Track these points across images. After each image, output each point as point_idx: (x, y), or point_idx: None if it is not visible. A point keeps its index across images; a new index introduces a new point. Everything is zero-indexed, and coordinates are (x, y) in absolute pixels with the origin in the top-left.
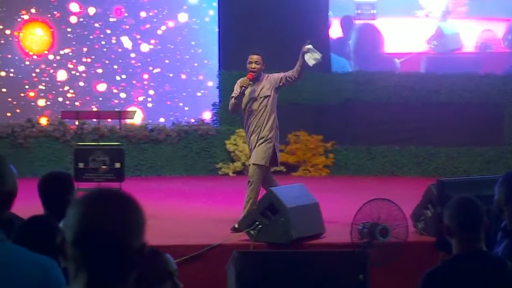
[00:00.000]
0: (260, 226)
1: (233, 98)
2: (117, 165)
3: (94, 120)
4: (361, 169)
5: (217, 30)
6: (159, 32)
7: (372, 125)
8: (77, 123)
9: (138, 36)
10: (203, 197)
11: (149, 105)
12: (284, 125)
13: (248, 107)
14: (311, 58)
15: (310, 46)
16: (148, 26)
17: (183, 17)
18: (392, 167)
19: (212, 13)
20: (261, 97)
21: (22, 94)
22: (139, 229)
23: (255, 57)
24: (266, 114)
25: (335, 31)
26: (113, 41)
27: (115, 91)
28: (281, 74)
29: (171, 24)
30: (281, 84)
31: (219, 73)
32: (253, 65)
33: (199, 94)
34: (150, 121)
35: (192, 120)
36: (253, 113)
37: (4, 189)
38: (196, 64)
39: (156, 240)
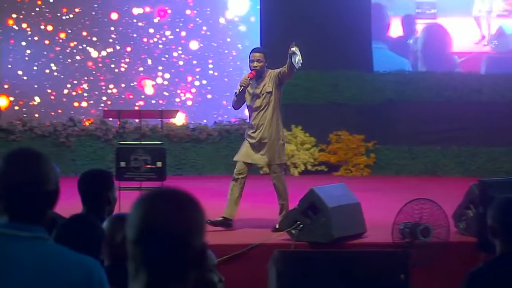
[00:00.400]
0: (301, 225)
1: (234, 95)
2: (159, 164)
3: (137, 120)
4: (403, 169)
5: (258, 29)
6: (203, 32)
7: (413, 125)
8: (119, 122)
9: (183, 34)
10: (244, 197)
11: (190, 102)
12: (325, 125)
13: (252, 104)
14: (295, 61)
15: (294, 49)
16: (191, 25)
17: (227, 17)
18: (433, 167)
19: (257, 13)
20: (263, 94)
21: (65, 92)
22: (200, 228)
23: (257, 55)
24: (269, 111)
25: (395, 30)
26: (156, 41)
27: (158, 90)
28: (278, 69)
29: (215, 24)
30: (278, 79)
31: None
32: (255, 63)
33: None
34: (193, 122)
35: (233, 120)
36: (257, 109)
37: (49, 188)
38: (239, 63)
39: None
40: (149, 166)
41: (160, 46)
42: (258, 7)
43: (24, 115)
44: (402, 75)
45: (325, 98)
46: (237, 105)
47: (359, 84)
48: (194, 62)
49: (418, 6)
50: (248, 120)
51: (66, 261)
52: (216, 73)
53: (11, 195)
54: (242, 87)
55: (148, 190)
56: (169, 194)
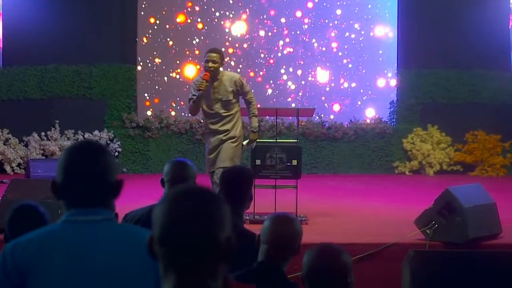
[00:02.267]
0: (436, 225)
1: (191, 101)
2: (294, 162)
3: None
4: None
5: (396, 29)
6: (347, 34)
7: None
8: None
9: (333, 34)
10: (379, 196)
11: (337, 107)
12: (462, 124)
13: (211, 109)
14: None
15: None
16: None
17: (366, 17)
18: None
19: (392, 12)
20: (224, 100)
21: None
22: (222, 222)
23: (213, 55)
24: (230, 116)
25: None
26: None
27: (292, 87)
28: (245, 89)
29: (356, 25)
30: (238, 92)
31: (397, 71)
32: (210, 64)
33: (377, 92)
34: (325, 121)
35: (368, 121)
36: (216, 115)
37: (111, 178)
38: (366, 57)
39: (332, 237)
40: (284, 164)
41: (306, 49)
42: (395, 4)
43: (161, 111)
44: None
45: (463, 98)
46: (196, 110)
47: (497, 83)
48: (333, 63)
49: None
50: (384, 120)
51: (140, 236)
52: (350, 65)
53: (77, 184)
54: (200, 91)
55: (171, 190)
56: (189, 191)
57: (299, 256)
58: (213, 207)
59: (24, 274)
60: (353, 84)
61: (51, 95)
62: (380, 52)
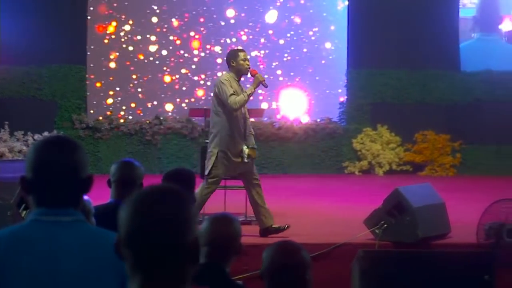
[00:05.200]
0: (385, 225)
1: (247, 95)
2: None
3: None
4: (490, 169)
5: (346, 29)
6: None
7: (502, 124)
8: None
9: (271, 32)
10: (329, 196)
11: (272, 102)
12: (411, 124)
13: (242, 109)
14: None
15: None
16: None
17: (312, 15)
18: None
19: (342, 12)
20: None
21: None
22: (189, 224)
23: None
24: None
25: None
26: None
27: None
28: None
29: (297, 20)
30: None
31: (347, 71)
32: (248, 62)
33: (327, 91)
34: (275, 121)
35: (318, 120)
36: (243, 116)
37: (83, 175)
38: (323, 62)
39: (281, 237)
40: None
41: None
42: (345, 5)
43: (110, 114)
44: (490, 75)
45: (413, 98)
46: None
47: (446, 83)
48: (279, 61)
49: None
50: (334, 120)
51: (108, 239)
52: (294, 76)
53: (48, 181)
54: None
55: (136, 191)
56: (155, 192)
57: (247, 257)
58: (180, 208)
59: None
60: (302, 84)
61: (1, 96)
62: (328, 51)
